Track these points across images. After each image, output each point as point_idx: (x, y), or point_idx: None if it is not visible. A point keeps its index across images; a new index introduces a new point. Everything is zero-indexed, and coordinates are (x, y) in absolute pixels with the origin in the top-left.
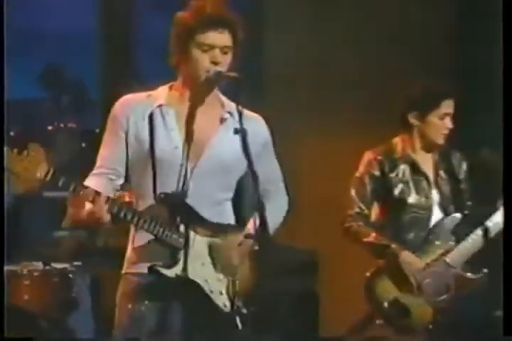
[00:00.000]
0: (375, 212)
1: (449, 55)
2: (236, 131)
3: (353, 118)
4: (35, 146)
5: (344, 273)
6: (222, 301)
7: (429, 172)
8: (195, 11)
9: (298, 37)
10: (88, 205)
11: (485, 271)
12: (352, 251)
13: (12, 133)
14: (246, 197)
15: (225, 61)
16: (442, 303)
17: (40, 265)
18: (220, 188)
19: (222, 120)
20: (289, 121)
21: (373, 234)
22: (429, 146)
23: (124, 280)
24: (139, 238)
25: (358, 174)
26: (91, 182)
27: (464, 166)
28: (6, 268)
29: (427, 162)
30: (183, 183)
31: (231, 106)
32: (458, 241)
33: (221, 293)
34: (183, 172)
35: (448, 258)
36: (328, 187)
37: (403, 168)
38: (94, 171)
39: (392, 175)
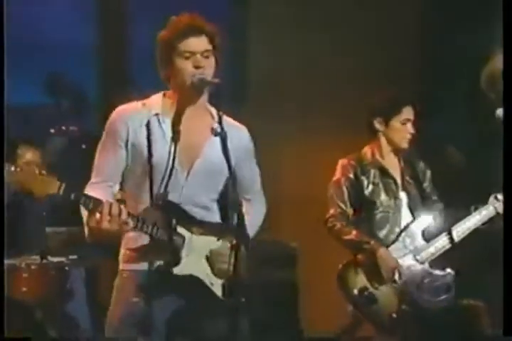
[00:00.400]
0: (351, 211)
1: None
2: (216, 134)
3: (331, 124)
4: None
5: (323, 266)
6: (221, 291)
7: (397, 176)
8: (173, 26)
9: (281, 48)
10: (107, 217)
11: (449, 269)
12: (330, 246)
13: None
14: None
15: (208, 64)
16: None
17: (37, 258)
18: (208, 190)
19: (213, 130)
20: (272, 126)
21: (354, 232)
22: (395, 150)
23: (122, 277)
24: (136, 238)
25: (335, 178)
26: (95, 192)
27: (428, 174)
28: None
29: (394, 166)
30: (179, 187)
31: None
32: (427, 241)
33: (222, 285)
34: (179, 177)
35: (418, 256)
36: (308, 187)
37: (373, 172)
38: (93, 180)
39: (364, 177)
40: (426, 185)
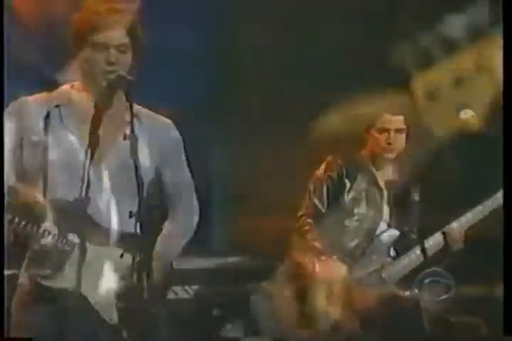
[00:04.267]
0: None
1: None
2: (124, 137)
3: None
4: None
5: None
6: (109, 313)
7: (385, 188)
8: (87, 11)
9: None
10: None
11: (416, 290)
12: None
13: None
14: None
15: (124, 60)
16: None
17: None
18: (125, 196)
19: (127, 123)
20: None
21: (318, 242)
22: (380, 159)
23: (20, 288)
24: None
25: (317, 174)
26: None
27: (418, 190)
28: None
29: (385, 177)
30: (84, 189)
31: (136, 109)
32: (395, 258)
33: (108, 305)
34: (86, 178)
35: (383, 274)
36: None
37: (360, 178)
38: None
39: (347, 180)
40: (413, 199)
